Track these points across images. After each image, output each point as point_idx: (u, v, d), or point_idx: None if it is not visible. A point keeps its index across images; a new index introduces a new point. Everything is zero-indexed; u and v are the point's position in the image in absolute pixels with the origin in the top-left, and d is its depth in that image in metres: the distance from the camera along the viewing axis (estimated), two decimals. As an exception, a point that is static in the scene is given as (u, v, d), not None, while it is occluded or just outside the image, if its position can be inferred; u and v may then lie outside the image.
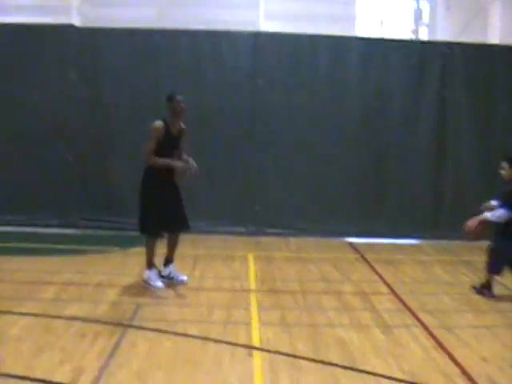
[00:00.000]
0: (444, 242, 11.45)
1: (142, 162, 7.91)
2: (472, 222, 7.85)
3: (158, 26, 12.44)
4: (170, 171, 7.80)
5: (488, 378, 5.43)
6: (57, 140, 11.35)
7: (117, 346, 5.81)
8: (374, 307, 7.49)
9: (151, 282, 7.89)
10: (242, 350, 5.92)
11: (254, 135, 11.35)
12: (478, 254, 9.42)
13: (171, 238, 8.09)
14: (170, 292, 7.80)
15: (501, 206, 7.86)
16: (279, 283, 8.51)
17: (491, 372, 5.57)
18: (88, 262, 9.23)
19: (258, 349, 5.95)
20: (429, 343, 6.29)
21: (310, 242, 11.31)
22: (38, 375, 5.03)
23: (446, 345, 6.23)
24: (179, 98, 7.78)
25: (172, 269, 8.15)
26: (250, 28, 12.78)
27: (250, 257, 9.96)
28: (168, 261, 8.16)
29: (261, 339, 6.21)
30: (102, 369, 5.24)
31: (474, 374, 5.47)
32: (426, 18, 24.78)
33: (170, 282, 8.06)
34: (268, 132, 11.41)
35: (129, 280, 8.23)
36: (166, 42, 11.37)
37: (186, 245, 8.51)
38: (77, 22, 15.62)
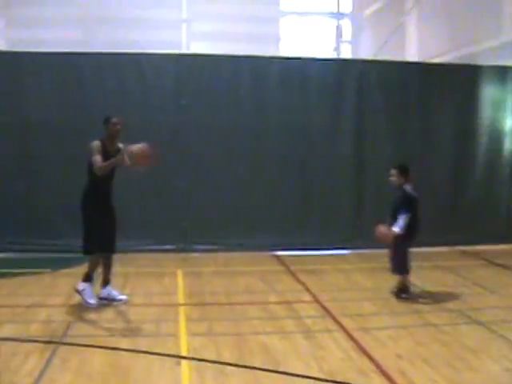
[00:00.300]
0: (366, 251, 11.91)
1: (77, 186, 8.11)
2: (383, 234, 8.46)
3: (84, 46, 12.55)
4: (108, 194, 8.04)
5: (401, 372, 5.86)
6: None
7: (48, 362, 5.99)
8: (298, 315, 7.85)
9: (85, 297, 7.97)
10: (170, 359, 6.18)
11: (180, 154, 11.51)
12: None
13: (108, 259, 8.25)
14: (101, 309, 7.96)
15: (398, 214, 8.48)
16: (207, 296, 8.77)
17: (404, 367, 6.00)
18: (19, 285, 9.30)
19: (185, 358, 6.23)
20: (348, 345, 6.68)
21: (237, 256, 11.58)
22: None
23: (363, 345, 6.63)
24: (114, 120, 7.97)
25: (110, 289, 8.29)
26: (175, 48, 13.02)
27: (179, 273, 10.19)
28: (106, 282, 8.29)
29: (188, 349, 6.49)
30: (34, 384, 5.43)
31: (388, 370, 5.89)
32: (347, 35, 25.67)
33: (110, 302, 8.18)
34: (193, 150, 11.60)
35: (60, 300, 8.36)
36: (89, 65, 11.48)
37: (116, 263, 8.66)
38: (1, 45, 15.60)
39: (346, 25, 25.39)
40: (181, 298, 8.66)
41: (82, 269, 8.38)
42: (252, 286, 9.46)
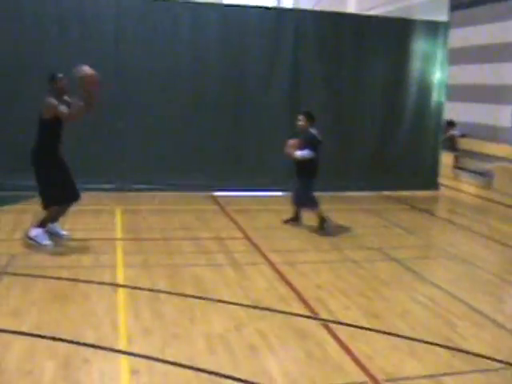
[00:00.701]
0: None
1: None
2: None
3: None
4: (59, 146, 8.16)
5: (319, 300, 6.48)
6: None
7: (-8, 289, 6.41)
8: (228, 249, 8.40)
9: (40, 241, 8.12)
10: (107, 287, 6.67)
11: (118, 97, 11.62)
12: (328, 202, 10.61)
13: (68, 205, 8.46)
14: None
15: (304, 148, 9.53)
16: (143, 232, 9.24)
17: (322, 296, 6.63)
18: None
19: (121, 286, 6.72)
20: (273, 276, 7.28)
21: (175, 195, 12.01)
22: None
23: (287, 277, 7.23)
24: (59, 76, 7.99)
25: (55, 226, 8.55)
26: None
27: (118, 210, 10.60)
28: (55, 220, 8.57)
29: (125, 278, 6.98)
30: (-21, 308, 5.85)
31: (307, 298, 6.51)
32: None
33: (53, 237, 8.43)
34: (131, 94, 11.83)
35: (2, 235, 8.71)
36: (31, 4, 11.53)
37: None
38: None
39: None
40: (118, 234, 9.11)
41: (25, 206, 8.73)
42: (187, 223, 9.96)
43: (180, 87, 12.09)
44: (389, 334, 5.73)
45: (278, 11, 14.48)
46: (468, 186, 14.47)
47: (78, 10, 11.59)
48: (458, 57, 14.89)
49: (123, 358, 4.99)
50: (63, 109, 7.79)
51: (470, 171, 14.82)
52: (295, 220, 10.11)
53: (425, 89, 13.78)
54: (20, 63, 11.22)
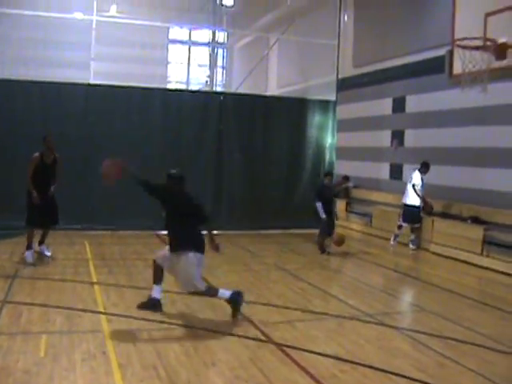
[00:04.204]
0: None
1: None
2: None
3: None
4: (45, 186, 11.02)
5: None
6: None
7: (9, 289, 9.21)
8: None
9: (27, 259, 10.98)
10: (85, 284, 9.54)
11: (87, 157, 14.39)
12: (248, 237, 13.71)
13: (46, 229, 11.51)
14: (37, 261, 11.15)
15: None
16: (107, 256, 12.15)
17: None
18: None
19: (95, 283, 9.61)
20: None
21: (128, 233, 14.89)
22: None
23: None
24: (49, 137, 11.10)
25: (43, 247, 11.58)
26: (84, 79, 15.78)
27: (86, 243, 13.41)
28: (40, 242, 11.55)
29: (97, 279, 9.86)
30: None
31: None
32: (221, 62, 29.30)
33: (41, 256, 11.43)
34: (95, 155, 14.17)
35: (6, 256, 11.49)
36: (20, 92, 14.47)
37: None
38: None
39: (221, 54, 29.05)
40: (89, 255, 11.98)
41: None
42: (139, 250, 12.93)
43: (131, 149, 14.62)
44: (266, 304, 8.76)
45: (206, 94, 17.86)
46: (356, 225, 17.78)
47: (57, 93, 14.61)
48: (344, 126, 18.42)
49: (102, 316, 7.86)
50: (30, 170, 10.90)
51: (358, 213, 18.18)
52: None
53: (319, 151, 17.24)
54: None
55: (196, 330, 7.42)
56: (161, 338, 7.05)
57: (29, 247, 11.07)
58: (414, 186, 14.40)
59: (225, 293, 7.98)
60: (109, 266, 10.99)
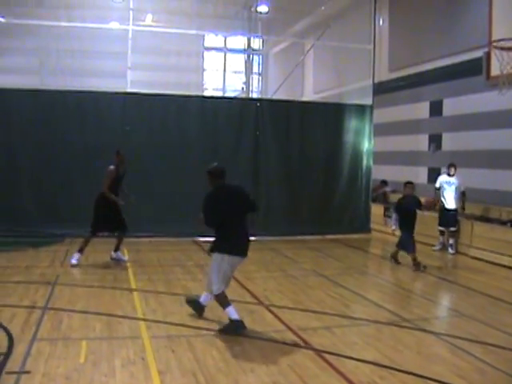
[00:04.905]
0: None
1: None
2: None
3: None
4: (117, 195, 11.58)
5: (265, 296, 9.44)
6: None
7: (51, 293, 9.33)
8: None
9: (72, 260, 11.41)
10: (125, 291, 9.62)
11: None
12: (284, 243, 13.71)
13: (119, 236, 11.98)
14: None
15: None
16: (146, 262, 12.24)
17: (268, 296, 9.58)
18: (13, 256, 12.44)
19: (135, 290, 9.68)
20: (236, 285, 10.23)
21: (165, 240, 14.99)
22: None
23: (244, 284, 10.19)
24: (121, 152, 11.64)
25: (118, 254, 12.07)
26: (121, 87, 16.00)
27: (125, 251, 13.52)
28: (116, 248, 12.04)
29: (136, 286, 9.93)
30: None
31: (258, 295, 9.46)
32: (258, 69, 29.33)
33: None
34: (134, 163, 14.66)
35: (47, 263, 11.65)
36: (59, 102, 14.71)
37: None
38: None
39: (257, 61, 29.07)
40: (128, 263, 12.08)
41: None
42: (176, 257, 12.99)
43: (171, 158, 15.08)
44: (304, 310, 8.73)
45: (242, 100, 17.92)
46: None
47: (95, 101, 14.87)
48: (381, 130, 18.25)
49: (141, 322, 7.91)
50: (106, 181, 11.43)
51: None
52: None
53: (356, 157, 17.11)
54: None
55: (234, 336, 7.40)
56: (199, 345, 7.04)
57: (81, 250, 11.53)
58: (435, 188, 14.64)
59: (231, 312, 7.64)
60: (148, 273, 11.05)
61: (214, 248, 7.69)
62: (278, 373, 6.21)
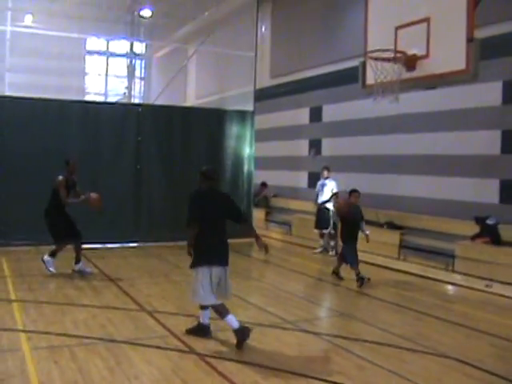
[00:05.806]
0: (143, 244, 15.55)
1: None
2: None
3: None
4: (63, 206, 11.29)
5: (147, 302, 9.41)
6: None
7: None
8: (85, 277, 11.20)
9: (48, 265, 11.33)
10: (3, 302, 9.31)
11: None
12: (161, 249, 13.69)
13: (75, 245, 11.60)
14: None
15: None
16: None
17: (151, 302, 9.56)
18: None
19: (14, 300, 9.39)
20: (118, 292, 10.13)
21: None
22: None
23: (126, 290, 10.12)
24: (71, 161, 11.40)
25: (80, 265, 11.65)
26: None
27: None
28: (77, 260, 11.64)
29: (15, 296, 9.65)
30: None
31: (140, 302, 9.42)
32: (139, 73, 29.07)
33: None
34: (14, 166, 14.29)
35: None
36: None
37: None
38: None
39: (139, 65, 28.84)
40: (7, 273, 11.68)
41: None
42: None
43: (46, 163, 14.02)
44: (189, 315, 8.78)
45: (123, 105, 17.74)
46: (276, 234, 17.97)
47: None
48: (262, 136, 18.58)
49: (22, 334, 7.69)
50: (62, 191, 11.15)
51: (277, 222, 18.40)
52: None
53: (237, 162, 17.29)
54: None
55: (118, 343, 7.36)
56: (82, 354, 6.94)
57: (54, 255, 11.52)
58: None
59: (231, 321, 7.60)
60: (27, 283, 10.74)
61: (194, 264, 7.61)
62: (162, 378, 6.24)
